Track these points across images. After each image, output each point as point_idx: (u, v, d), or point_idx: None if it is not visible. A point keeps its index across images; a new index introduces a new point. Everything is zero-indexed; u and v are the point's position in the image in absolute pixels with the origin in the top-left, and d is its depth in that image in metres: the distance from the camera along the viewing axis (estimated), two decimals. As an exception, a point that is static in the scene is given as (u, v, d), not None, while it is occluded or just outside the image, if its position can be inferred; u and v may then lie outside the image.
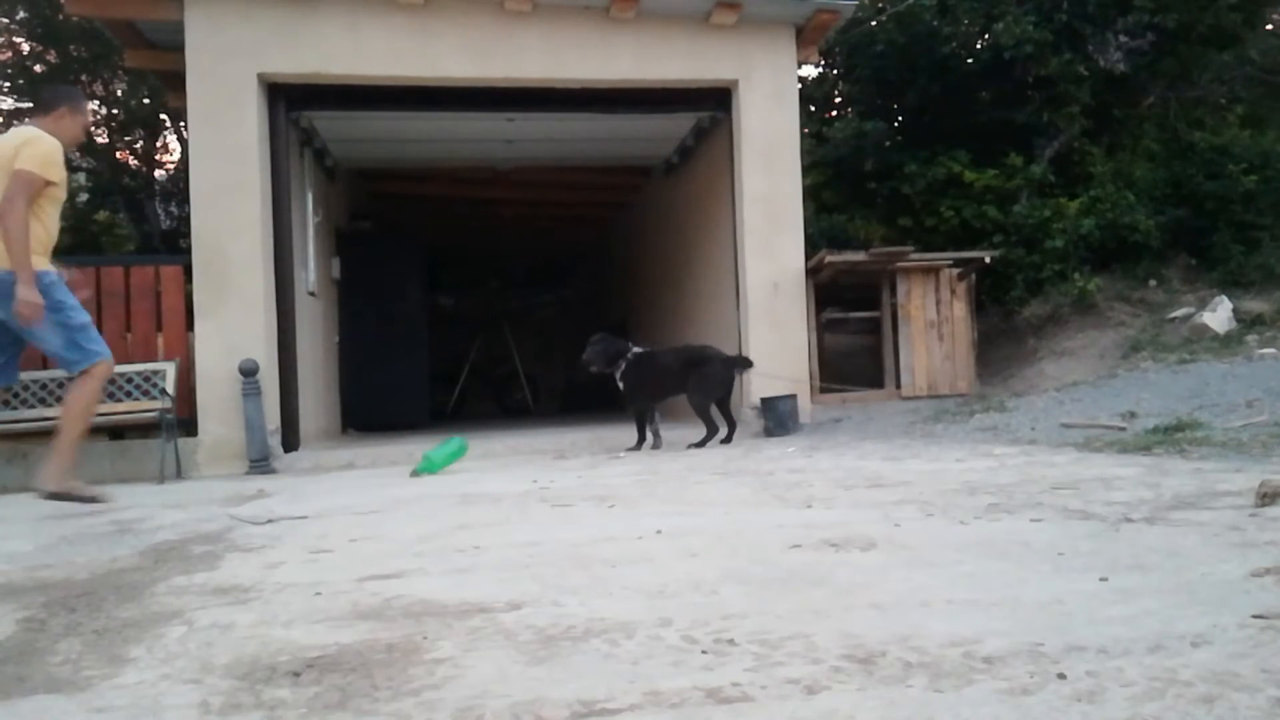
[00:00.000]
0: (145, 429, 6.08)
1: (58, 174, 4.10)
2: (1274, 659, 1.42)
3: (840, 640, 1.62)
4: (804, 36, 7.21)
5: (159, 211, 13.44)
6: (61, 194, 4.20)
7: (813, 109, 11.31)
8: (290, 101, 6.77)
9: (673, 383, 6.32)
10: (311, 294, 7.64)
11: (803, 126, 7.68)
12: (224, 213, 6.31)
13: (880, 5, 9.91)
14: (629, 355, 6.25)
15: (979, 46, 9.95)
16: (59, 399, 6.00)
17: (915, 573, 2.11)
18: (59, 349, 4.14)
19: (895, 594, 1.93)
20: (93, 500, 4.14)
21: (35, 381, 6.03)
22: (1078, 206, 8.93)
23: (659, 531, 2.82)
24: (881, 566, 2.20)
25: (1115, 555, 2.18)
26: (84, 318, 4.20)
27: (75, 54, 12.16)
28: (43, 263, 4.08)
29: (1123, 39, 9.10)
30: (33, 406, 5.95)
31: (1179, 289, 8.95)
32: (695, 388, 6.27)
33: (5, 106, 13.27)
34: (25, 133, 4.18)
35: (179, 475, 5.98)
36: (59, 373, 6.10)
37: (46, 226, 4.12)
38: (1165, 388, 6.05)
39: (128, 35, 6.93)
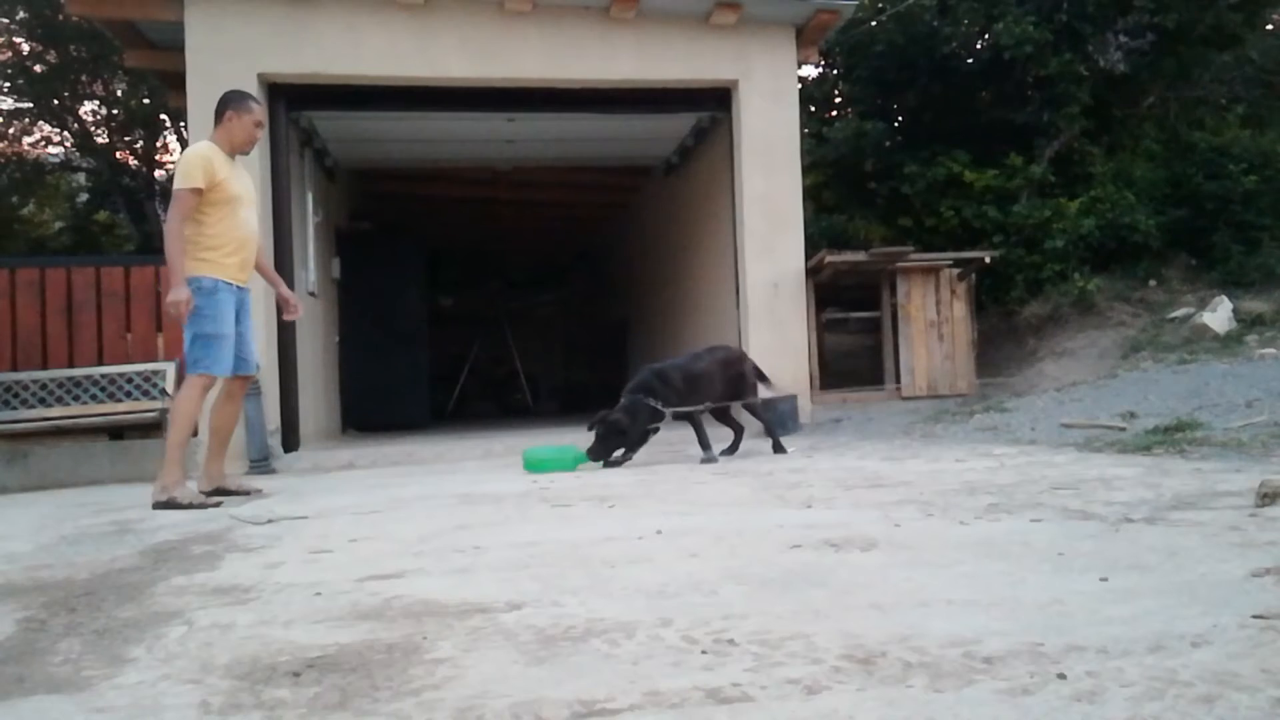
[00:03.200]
0: (145, 429, 6.07)
1: (201, 179, 4.17)
2: (1274, 659, 1.42)
3: (840, 640, 1.62)
4: (804, 37, 7.21)
5: (159, 211, 13.42)
6: (221, 195, 4.23)
7: (813, 109, 11.30)
8: (290, 101, 6.77)
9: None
10: (311, 294, 7.63)
11: (803, 126, 7.68)
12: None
13: (880, 5, 9.91)
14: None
15: (979, 46, 9.95)
16: (59, 399, 6.02)
17: (915, 573, 2.11)
18: (185, 348, 4.33)
19: (895, 594, 1.93)
20: (202, 505, 4.07)
21: (35, 381, 6.03)
22: (1078, 206, 8.93)
23: (659, 531, 2.82)
24: (881, 566, 2.20)
25: (1115, 555, 2.18)
26: (211, 329, 4.22)
27: (75, 54, 12.17)
28: (201, 268, 4.20)
29: (1123, 39, 9.10)
30: (32, 406, 5.94)
31: (1179, 289, 8.95)
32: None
33: (5, 106, 13.30)
34: (185, 152, 4.35)
35: (179, 475, 5.97)
36: (59, 373, 6.12)
37: (212, 231, 4.24)
38: (1165, 388, 6.03)
39: (128, 35, 6.94)
